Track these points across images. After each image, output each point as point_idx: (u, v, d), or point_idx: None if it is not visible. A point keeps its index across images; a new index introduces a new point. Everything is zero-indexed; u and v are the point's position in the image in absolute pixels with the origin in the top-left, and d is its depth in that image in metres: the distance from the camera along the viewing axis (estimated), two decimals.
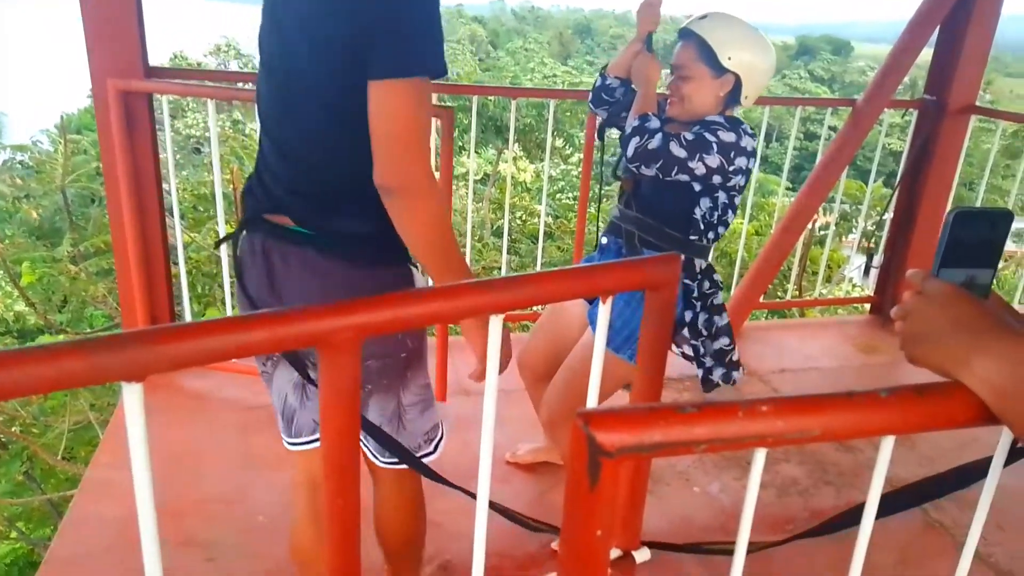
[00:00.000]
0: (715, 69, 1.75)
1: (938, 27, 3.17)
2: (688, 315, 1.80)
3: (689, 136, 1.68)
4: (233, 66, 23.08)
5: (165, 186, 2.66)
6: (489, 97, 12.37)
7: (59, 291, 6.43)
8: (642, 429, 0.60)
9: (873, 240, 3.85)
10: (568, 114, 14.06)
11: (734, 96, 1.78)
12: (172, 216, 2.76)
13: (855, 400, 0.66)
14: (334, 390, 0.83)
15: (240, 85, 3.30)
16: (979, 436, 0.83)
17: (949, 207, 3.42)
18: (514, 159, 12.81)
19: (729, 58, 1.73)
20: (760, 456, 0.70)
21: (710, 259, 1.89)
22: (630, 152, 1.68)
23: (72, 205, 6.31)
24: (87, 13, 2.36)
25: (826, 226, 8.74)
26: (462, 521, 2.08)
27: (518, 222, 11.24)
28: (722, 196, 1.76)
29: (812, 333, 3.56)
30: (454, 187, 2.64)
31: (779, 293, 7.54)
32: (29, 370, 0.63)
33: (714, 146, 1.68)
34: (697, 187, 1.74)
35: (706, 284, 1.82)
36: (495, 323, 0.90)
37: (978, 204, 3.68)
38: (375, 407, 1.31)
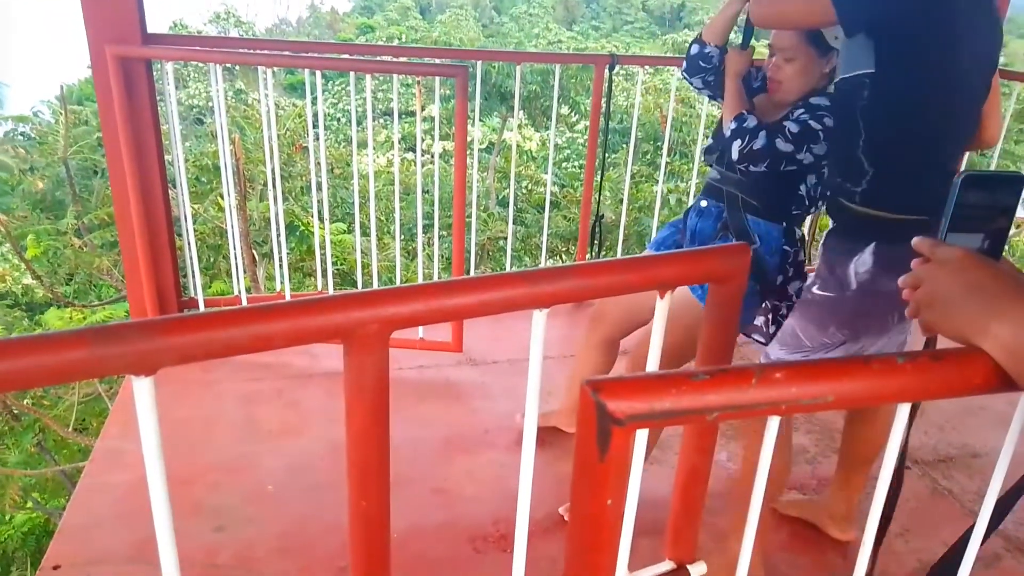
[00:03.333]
0: (820, 48, 1.72)
1: None
2: (780, 278, 1.82)
3: (794, 128, 1.66)
4: (233, 33, 22.82)
5: (168, 157, 2.63)
6: (493, 63, 12.21)
7: (65, 264, 6.43)
8: (653, 396, 0.58)
9: None
10: (574, 80, 13.88)
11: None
12: (175, 188, 2.74)
13: (871, 366, 0.64)
14: (359, 387, 0.76)
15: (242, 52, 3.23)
16: (988, 404, 0.81)
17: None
18: (519, 127, 12.67)
19: (836, 37, 1.68)
20: (773, 424, 0.68)
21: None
22: (735, 155, 1.69)
23: (75, 177, 6.28)
24: None
25: None
26: (467, 486, 2.11)
27: (523, 191, 11.16)
28: (826, 173, 1.76)
29: None
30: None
31: None
32: (34, 361, 0.60)
33: (820, 134, 1.67)
34: (796, 167, 1.73)
35: (801, 253, 1.85)
36: (539, 318, 0.83)
37: (992, 169, 3.62)
38: None
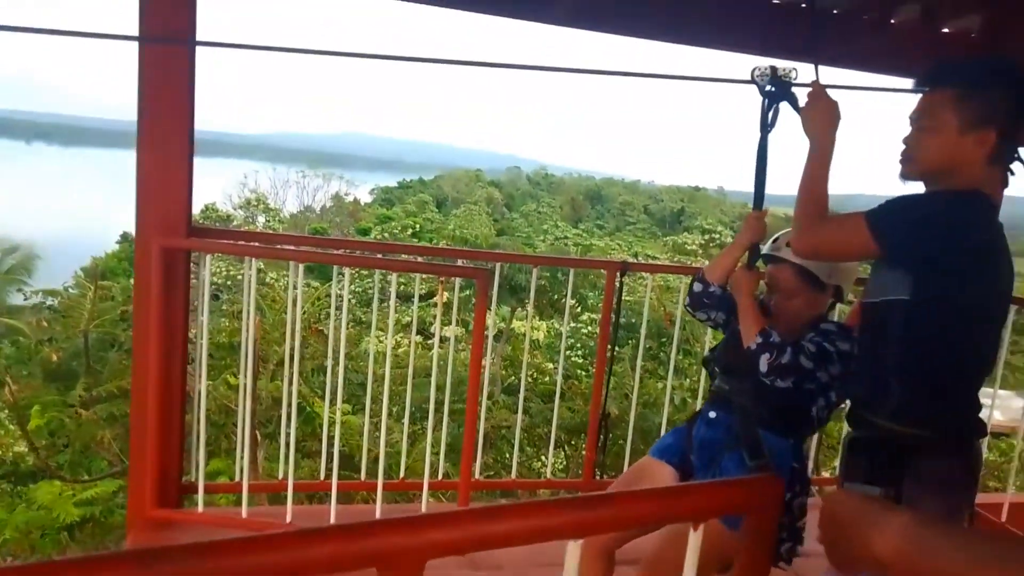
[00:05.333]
0: (817, 287, 1.85)
1: None
2: (788, 495, 1.79)
3: (812, 348, 1.74)
4: (260, 219, 24.13)
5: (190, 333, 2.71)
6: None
7: (64, 434, 6.35)
8: None
9: None
10: (580, 277, 14.47)
11: (838, 298, 1.91)
12: (191, 365, 2.78)
13: None
14: None
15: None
16: None
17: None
18: (527, 317, 12.98)
19: (830, 276, 1.84)
20: None
21: None
22: (764, 368, 1.72)
23: (91, 349, 6.39)
24: (142, 174, 2.51)
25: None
26: None
27: (528, 380, 11.22)
28: (833, 396, 1.83)
29: None
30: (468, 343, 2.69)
31: None
32: None
33: (834, 355, 1.75)
34: (815, 386, 1.78)
35: (806, 470, 1.90)
36: (573, 550, 0.81)
37: (996, 378, 3.67)
38: None
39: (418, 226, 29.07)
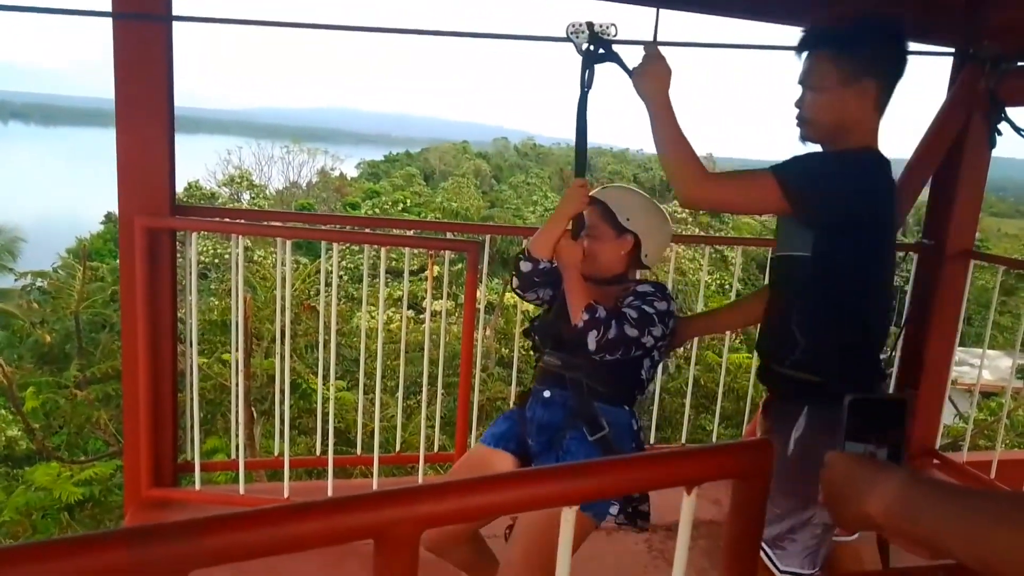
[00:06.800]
0: (616, 228, 1.85)
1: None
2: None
3: (634, 314, 1.73)
4: (246, 196, 23.92)
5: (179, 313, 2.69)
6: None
7: (59, 415, 6.34)
8: None
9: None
10: None
11: (636, 256, 1.88)
12: (183, 344, 2.77)
13: None
14: None
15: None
16: None
17: (955, 346, 3.45)
18: None
19: (628, 219, 1.84)
20: None
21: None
22: (593, 346, 1.68)
23: (83, 330, 6.36)
24: (122, 153, 2.48)
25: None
26: None
27: (523, 351, 11.25)
28: (656, 356, 1.85)
29: None
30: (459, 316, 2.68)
31: None
32: (73, 564, 0.59)
33: (655, 317, 1.75)
34: (642, 352, 1.78)
35: (642, 432, 1.90)
36: (567, 515, 0.82)
37: (985, 339, 3.71)
38: None
39: (407, 200, 28.88)
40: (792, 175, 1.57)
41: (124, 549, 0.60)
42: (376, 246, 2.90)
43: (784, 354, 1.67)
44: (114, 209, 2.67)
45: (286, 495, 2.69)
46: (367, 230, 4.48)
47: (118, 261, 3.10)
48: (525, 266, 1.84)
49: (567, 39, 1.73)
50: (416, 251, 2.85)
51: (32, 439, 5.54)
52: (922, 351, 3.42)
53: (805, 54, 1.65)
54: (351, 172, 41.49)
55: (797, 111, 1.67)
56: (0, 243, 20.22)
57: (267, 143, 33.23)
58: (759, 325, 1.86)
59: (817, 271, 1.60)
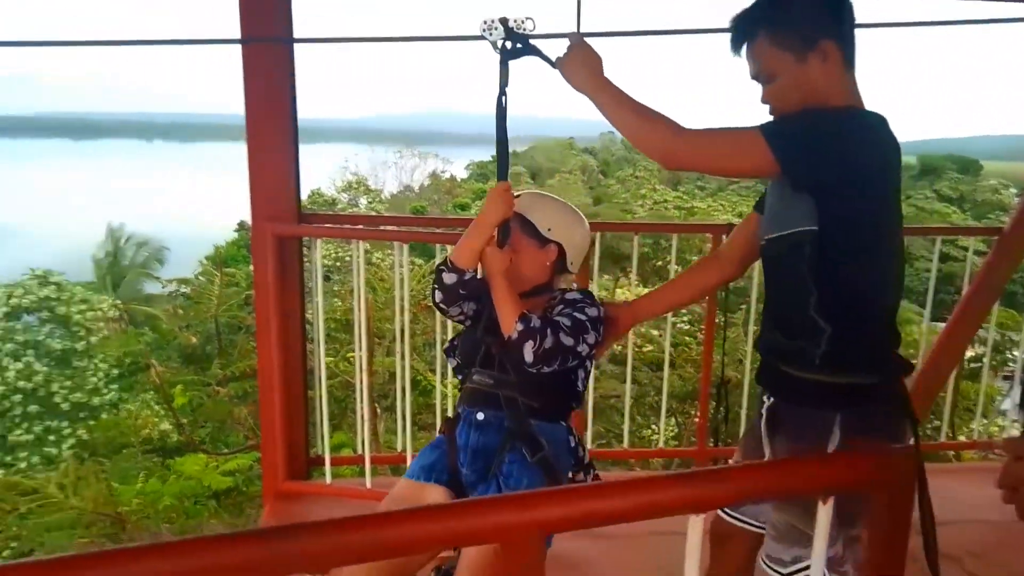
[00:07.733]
0: (539, 240, 1.75)
1: None
2: (571, 475, 1.75)
3: (567, 322, 1.63)
4: (362, 201, 24.96)
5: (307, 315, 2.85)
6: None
7: (203, 411, 6.89)
8: None
9: None
10: (686, 242, 14.11)
11: (561, 264, 1.78)
12: (311, 343, 2.93)
13: None
14: None
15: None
16: None
17: None
18: (632, 286, 12.84)
19: (549, 230, 1.74)
20: None
21: None
22: (529, 358, 1.57)
23: (222, 332, 6.88)
24: (253, 166, 2.66)
25: (975, 358, 8.00)
26: None
27: (634, 348, 11.10)
28: (589, 364, 1.76)
29: (976, 479, 3.19)
30: None
31: (928, 432, 6.89)
32: (215, 560, 0.63)
33: (588, 324, 1.65)
34: (577, 361, 1.68)
35: (580, 447, 1.78)
36: (695, 524, 0.79)
37: None
38: None
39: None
40: (780, 131, 1.42)
41: (264, 545, 0.63)
42: None
43: (809, 351, 1.46)
44: (245, 217, 2.86)
45: None
46: None
47: (251, 267, 3.32)
48: (449, 278, 1.69)
49: (481, 37, 1.61)
50: None
51: (181, 432, 6.06)
52: None
53: (744, 48, 1.50)
54: (460, 173, 42.39)
55: (767, 107, 1.51)
56: (148, 253, 22.17)
57: (380, 148, 34.57)
58: (762, 324, 1.67)
59: (829, 244, 1.41)
